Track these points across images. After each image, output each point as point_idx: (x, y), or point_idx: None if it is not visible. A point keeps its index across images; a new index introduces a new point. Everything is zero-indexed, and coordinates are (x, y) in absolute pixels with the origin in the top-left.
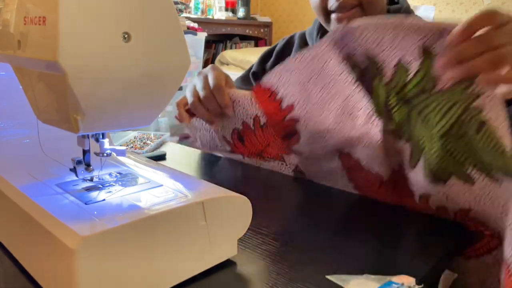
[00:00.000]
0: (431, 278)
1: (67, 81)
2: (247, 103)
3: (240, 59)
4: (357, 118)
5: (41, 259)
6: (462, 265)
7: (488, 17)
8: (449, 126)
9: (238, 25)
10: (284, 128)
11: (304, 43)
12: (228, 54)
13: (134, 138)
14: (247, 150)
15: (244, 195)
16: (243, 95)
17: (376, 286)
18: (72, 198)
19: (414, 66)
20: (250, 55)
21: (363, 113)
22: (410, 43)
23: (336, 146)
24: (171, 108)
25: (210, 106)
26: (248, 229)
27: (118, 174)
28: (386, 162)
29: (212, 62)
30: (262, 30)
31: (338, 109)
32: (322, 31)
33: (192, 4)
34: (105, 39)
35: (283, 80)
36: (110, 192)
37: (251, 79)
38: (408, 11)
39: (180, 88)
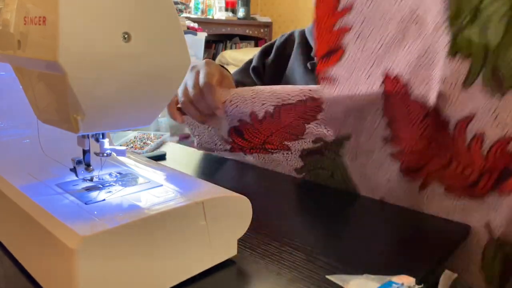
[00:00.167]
0: (431, 278)
1: (67, 81)
2: (241, 102)
3: (240, 59)
4: (424, 26)
5: (41, 259)
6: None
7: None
8: None
9: (238, 25)
10: (329, 41)
11: (304, 42)
12: (228, 54)
13: (134, 138)
14: (249, 144)
15: (244, 195)
16: (238, 94)
17: (376, 286)
18: (72, 198)
19: None
20: (250, 55)
21: (433, 20)
22: None
23: (387, 67)
24: None
25: (200, 106)
26: (248, 229)
27: (118, 174)
28: (435, 82)
29: None
30: (262, 30)
31: (403, 16)
32: None
33: (192, 4)
34: (105, 39)
35: None
36: (110, 192)
37: (252, 74)
38: None
39: None
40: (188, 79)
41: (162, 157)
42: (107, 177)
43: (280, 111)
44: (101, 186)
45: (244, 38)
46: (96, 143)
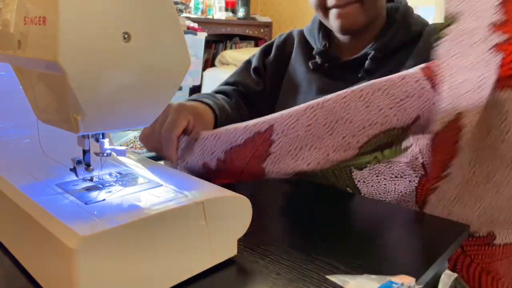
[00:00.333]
0: (431, 278)
1: (67, 81)
2: (190, 157)
3: (240, 59)
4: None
5: (41, 259)
6: None
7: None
8: None
9: (238, 25)
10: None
11: (304, 42)
12: (228, 54)
13: (134, 138)
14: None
15: (244, 195)
16: (186, 149)
17: (376, 286)
18: (72, 198)
19: None
20: (250, 55)
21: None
22: None
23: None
24: None
25: (157, 149)
26: (248, 229)
27: (118, 174)
28: None
29: (212, 62)
30: (262, 30)
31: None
32: (323, 29)
33: (192, 4)
34: (105, 39)
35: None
36: (110, 192)
37: (253, 74)
38: (406, 10)
39: (180, 88)
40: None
41: (162, 157)
42: (107, 177)
43: (232, 155)
44: (101, 186)
45: (244, 38)
46: (96, 143)
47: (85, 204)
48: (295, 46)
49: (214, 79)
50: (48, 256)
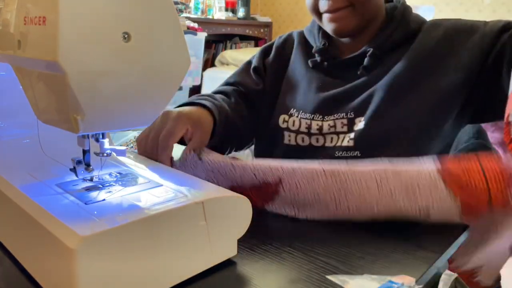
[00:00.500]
0: (431, 278)
1: (67, 81)
2: (214, 175)
3: (240, 59)
4: None
5: (41, 259)
6: None
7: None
8: None
9: (238, 25)
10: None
11: (304, 41)
12: (228, 54)
13: (134, 138)
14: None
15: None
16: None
17: (376, 286)
18: (72, 198)
19: None
20: (250, 55)
21: None
22: None
23: None
24: (171, 108)
25: (150, 153)
26: (248, 229)
27: (118, 174)
28: None
29: (212, 62)
30: (262, 30)
31: None
32: (323, 29)
33: (192, 4)
34: (105, 39)
35: None
36: (110, 192)
37: (253, 74)
38: (405, 9)
39: (180, 88)
40: (155, 124)
41: None
42: (107, 177)
43: (235, 190)
44: (101, 186)
45: (244, 38)
46: (96, 143)
47: (85, 204)
48: (294, 46)
49: (214, 79)
50: (48, 256)
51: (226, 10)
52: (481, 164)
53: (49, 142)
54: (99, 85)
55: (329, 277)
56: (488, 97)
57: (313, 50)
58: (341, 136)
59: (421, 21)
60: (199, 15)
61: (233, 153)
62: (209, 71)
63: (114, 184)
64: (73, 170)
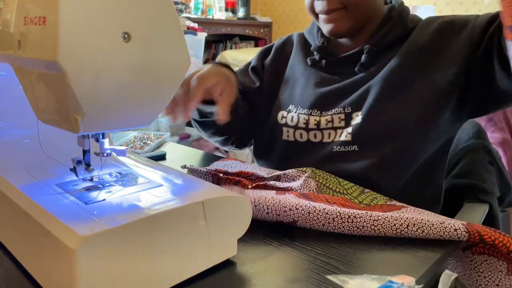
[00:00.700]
0: (431, 278)
1: (67, 81)
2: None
3: (240, 59)
4: None
5: (41, 259)
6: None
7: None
8: None
9: (238, 25)
10: None
11: (303, 42)
12: (228, 54)
13: (134, 138)
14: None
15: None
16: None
17: (376, 286)
18: (72, 198)
19: None
20: (250, 55)
21: None
22: None
23: None
24: None
25: (180, 100)
26: (248, 229)
27: (118, 174)
28: None
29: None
30: (262, 30)
31: None
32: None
33: (192, 4)
34: (105, 39)
35: None
36: (110, 192)
37: (251, 73)
38: (402, 9)
39: None
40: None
41: (162, 157)
42: (107, 177)
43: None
44: (101, 186)
45: (244, 38)
46: (96, 143)
47: (85, 204)
48: (294, 46)
49: None
50: (48, 256)
51: (226, 10)
52: None
53: (49, 142)
54: (99, 85)
55: (329, 277)
56: (483, 90)
57: (312, 48)
58: (339, 131)
59: (418, 21)
60: (199, 15)
61: (233, 151)
62: None
63: (114, 184)
64: (73, 170)
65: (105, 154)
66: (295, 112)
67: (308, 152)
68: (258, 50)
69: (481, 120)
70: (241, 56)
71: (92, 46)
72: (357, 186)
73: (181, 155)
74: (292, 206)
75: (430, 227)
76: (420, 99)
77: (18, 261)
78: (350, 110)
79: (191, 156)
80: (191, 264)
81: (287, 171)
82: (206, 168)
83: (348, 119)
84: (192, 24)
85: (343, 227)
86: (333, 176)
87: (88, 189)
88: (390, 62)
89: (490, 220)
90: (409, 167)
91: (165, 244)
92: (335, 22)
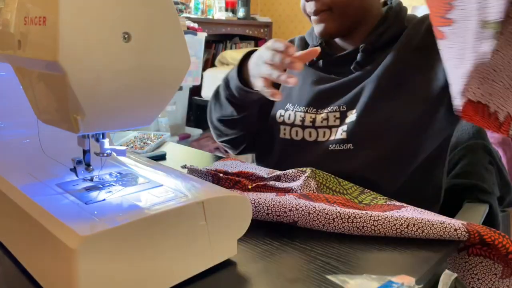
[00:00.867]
0: (431, 278)
1: (67, 81)
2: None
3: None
4: None
5: (41, 259)
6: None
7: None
8: None
9: (238, 25)
10: None
11: (304, 44)
12: (228, 54)
13: (134, 138)
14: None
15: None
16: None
17: (376, 286)
18: (72, 198)
19: None
20: None
21: None
22: None
23: None
24: (171, 108)
25: (280, 64)
26: (248, 229)
27: (118, 174)
28: None
29: (212, 62)
30: (262, 30)
31: None
32: None
33: (192, 4)
34: (105, 39)
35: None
36: (110, 192)
37: None
38: (400, 9)
39: (180, 88)
40: (268, 56)
41: (162, 157)
42: (107, 177)
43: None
44: (101, 186)
45: (244, 38)
46: (96, 143)
47: (85, 204)
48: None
49: (214, 79)
50: (48, 256)
51: (226, 10)
52: None
53: (49, 142)
54: (99, 85)
55: (329, 277)
56: None
57: (309, 48)
58: (334, 130)
59: (415, 20)
60: (199, 15)
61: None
62: (209, 71)
63: (114, 184)
64: (73, 170)
65: (105, 154)
66: (292, 110)
67: (304, 151)
68: None
69: None
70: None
71: (92, 46)
72: (357, 186)
73: (181, 155)
74: (292, 207)
75: (430, 227)
76: (415, 96)
77: (18, 261)
78: (345, 108)
79: (191, 156)
80: (191, 264)
81: (287, 171)
82: (206, 168)
83: (343, 117)
84: (192, 24)
85: (343, 227)
86: (333, 176)
87: (88, 189)
88: (385, 61)
89: (490, 220)
90: (407, 165)
91: (165, 244)
92: (323, 22)
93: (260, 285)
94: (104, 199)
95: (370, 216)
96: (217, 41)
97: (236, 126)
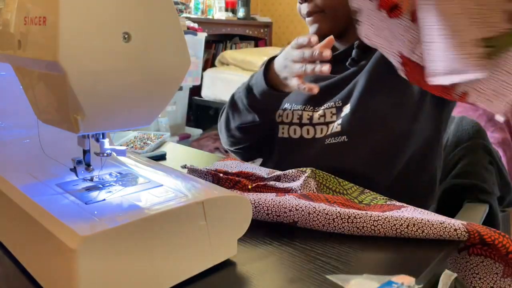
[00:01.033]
0: (431, 278)
1: (67, 81)
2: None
3: (240, 59)
4: None
5: (41, 259)
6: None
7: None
8: None
9: (238, 25)
10: None
11: None
12: (228, 54)
13: (134, 138)
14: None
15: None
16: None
17: (376, 286)
18: (72, 198)
19: None
20: (250, 55)
21: None
22: None
23: None
24: (171, 108)
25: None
26: (248, 229)
27: (118, 174)
28: None
29: (212, 62)
30: (262, 30)
31: None
32: None
33: (192, 4)
34: (105, 39)
35: None
36: (110, 192)
37: None
38: None
39: (180, 88)
40: (297, 54)
41: (162, 157)
42: (107, 177)
43: None
44: (101, 186)
45: (244, 38)
46: (96, 143)
47: (85, 204)
48: None
49: (214, 79)
50: (48, 256)
51: (226, 10)
52: None
53: (49, 142)
54: (99, 85)
55: (329, 277)
56: None
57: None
58: (330, 125)
59: None
60: (199, 15)
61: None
62: (209, 71)
63: (114, 184)
64: (73, 170)
65: (105, 154)
66: (290, 109)
67: (302, 149)
68: (258, 50)
69: (481, 120)
70: (241, 56)
71: (92, 46)
72: (357, 186)
73: (181, 155)
74: (292, 207)
75: (430, 227)
76: (405, 89)
77: (18, 261)
78: (341, 103)
79: (191, 156)
80: (191, 264)
81: (287, 171)
82: (206, 168)
83: (339, 112)
84: (192, 24)
85: (343, 227)
86: (332, 176)
87: (88, 189)
88: (376, 54)
89: (490, 220)
90: (400, 156)
91: (165, 244)
92: (316, 23)
93: (260, 285)
94: (104, 199)
95: (370, 216)
96: (217, 41)
97: (255, 132)
